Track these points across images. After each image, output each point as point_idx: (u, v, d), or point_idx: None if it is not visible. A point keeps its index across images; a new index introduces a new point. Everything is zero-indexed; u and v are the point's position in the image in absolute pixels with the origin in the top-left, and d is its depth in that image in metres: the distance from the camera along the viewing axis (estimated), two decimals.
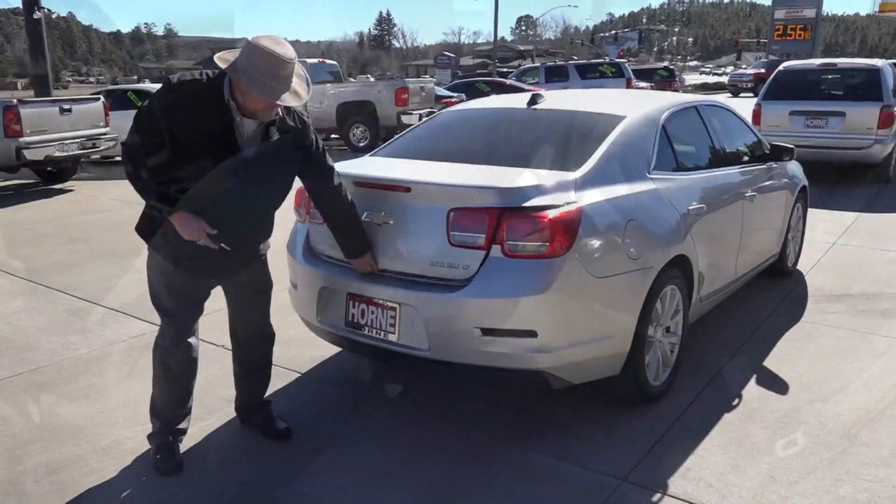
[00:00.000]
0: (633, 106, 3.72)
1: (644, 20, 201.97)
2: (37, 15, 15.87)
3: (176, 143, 2.59)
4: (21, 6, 17.34)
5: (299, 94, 2.65)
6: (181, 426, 2.99)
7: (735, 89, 33.78)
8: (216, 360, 3.82)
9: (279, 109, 2.69)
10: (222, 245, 2.68)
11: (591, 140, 3.29)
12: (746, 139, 4.72)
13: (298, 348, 4.03)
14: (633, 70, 24.50)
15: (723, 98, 30.01)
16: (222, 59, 2.59)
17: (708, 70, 62.42)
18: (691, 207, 3.51)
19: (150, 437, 3.00)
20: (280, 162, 2.78)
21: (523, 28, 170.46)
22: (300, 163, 2.87)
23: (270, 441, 3.11)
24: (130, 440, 3.13)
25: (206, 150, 2.60)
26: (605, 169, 3.17)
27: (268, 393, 3.50)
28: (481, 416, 3.33)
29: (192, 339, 2.93)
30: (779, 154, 4.76)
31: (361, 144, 14.25)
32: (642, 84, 22.55)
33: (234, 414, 3.30)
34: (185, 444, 3.05)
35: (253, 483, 2.83)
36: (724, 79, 42.16)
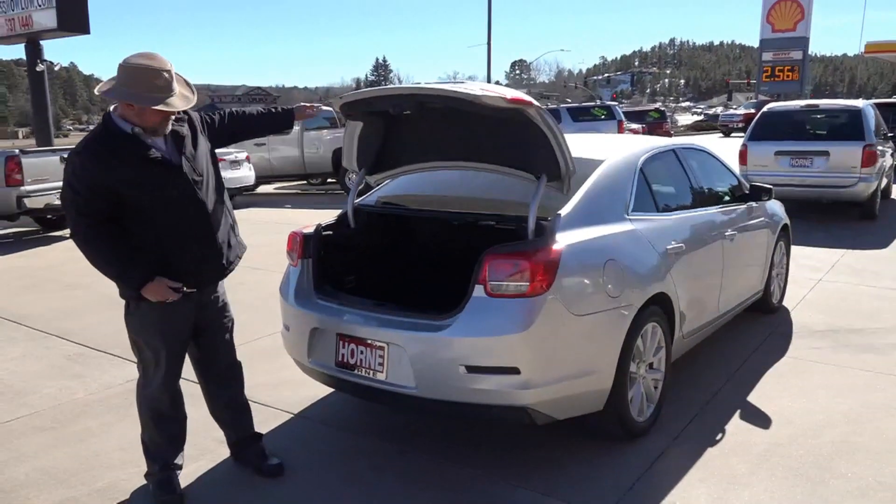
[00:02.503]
0: (612, 150, 3.87)
1: (636, 63, 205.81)
2: (39, 67, 16.27)
3: (122, 200, 2.74)
4: (25, 58, 17.79)
5: (188, 97, 2.82)
6: (177, 462, 3.08)
7: (726, 129, 34.41)
8: None
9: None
10: (184, 288, 2.85)
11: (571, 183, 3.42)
12: (725, 180, 4.88)
13: (291, 389, 4.11)
14: (625, 112, 24.92)
15: (714, 138, 30.49)
16: (101, 91, 2.76)
17: (699, 111, 63.72)
18: (670, 247, 3.64)
19: (147, 476, 3.08)
20: (203, 150, 2.97)
21: (517, 72, 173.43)
22: (216, 135, 3.09)
23: (263, 480, 3.17)
24: (126, 482, 3.19)
25: (148, 184, 2.76)
26: (584, 210, 3.30)
27: (261, 433, 3.60)
28: (468, 452, 3.39)
29: (179, 382, 3.06)
30: (758, 194, 4.92)
31: (359, 189, 14.44)
32: (634, 126, 22.92)
33: (225, 454, 3.36)
34: (180, 484, 3.11)
35: None
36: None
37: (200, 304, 3.00)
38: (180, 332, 2.97)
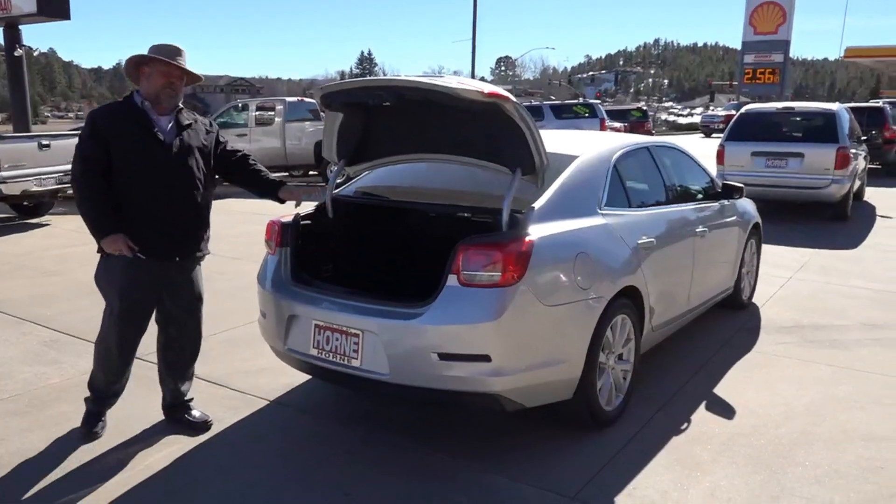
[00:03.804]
0: (586, 146, 3.95)
1: (621, 62, 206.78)
2: (17, 52, 16.05)
3: (114, 155, 3.18)
4: (2, 43, 17.55)
5: (190, 70, 3.30)
6: (112, 398, 3.54)
7: (707, 130, 34.97)
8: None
9: (184, 110, 3.36)
10: (137, 254, 3.21)
11: (546, 177, 3.50)
12: (698, 178, 4.98)
13: (269, 377, 4.16)
14: (608, 110, 25.09)
15: (695, 138, 30.80)
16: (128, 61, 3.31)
17: (677, 111, 65.27)
18: (640, 241, 3.73)
19: (85, 400, 3.55)
20: (198, 144, 3.38)
21: (503, 68, 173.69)
22: (214, 150, 3.48)
23: (237, 464, 3.23)
24: (101, 465, 3.22)
25: (137, 151, 3.20)
26: (557, 204, 3.38)
27: (237, 419, 3.67)
28: (441, 437, 3.47)
29: (136, 344, 3.43)
30: (729, 193, 5.04)
31: (339, 180, 14.45)
32: (616, 124, 23.09)
33: (201, 439, 3.43)
34: (154, 468, 3.18)
35: None
36: (690, 119, 45.98)
37: (167, 278, 3.36)
38: (136, 292, 3.30)
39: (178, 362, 3.57)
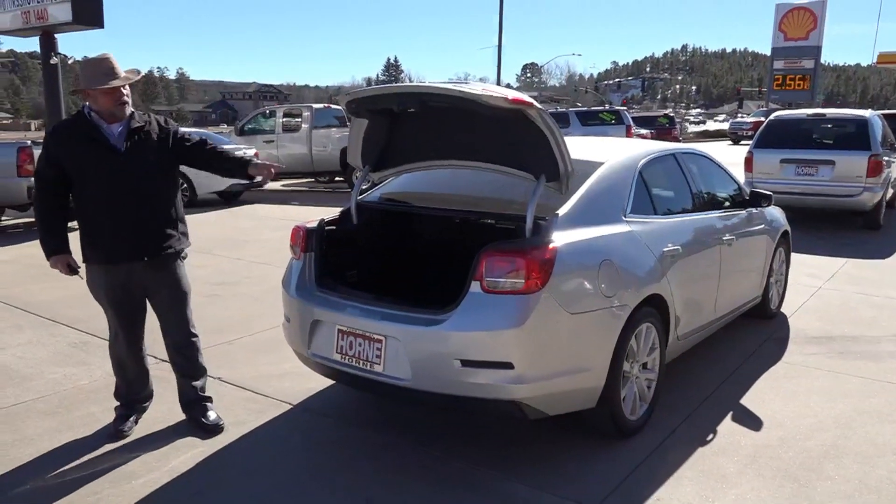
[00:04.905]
0: (612, 153, 3.92)
1: (648, 68, 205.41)
2: (53, 60, 16.42)
3: (69, 170, 3.30)
4: (39, 51, 17.97)
5: (129, 77, 3.33)
6: (140, 403, 3.72)
7: (735, 137, 34.58)
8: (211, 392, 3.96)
9: (136, 114, 3.39)
10: (78, 275, 3.48)
11: (570, 184, 3.48)
12: (725, 186, 4.92)
13: (292, 381, 4.18)
14: (634, 117, 24.94)
15: (723, 145, 30.49)
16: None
17: (692, 117, 65.16)
18: (666, 249, 3.69)
19: (115, 409, 3.69)
20: (152, 145, 3.39)
21: (529, 75, 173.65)
22: (173, 148, 3.48)
23: (259, 466, 3.25)
24: (128, 466, 3.26)
25: (87, 161, 3.29)
26: (582, 211, 3.36)
27: (261, 423, 3.69)
28: (463, 444, 3.46)
29: (139, 345, 3.61)
30: (757, 200, 4.96)
31: (364, 186, 14.53)
32: (643, 131, 22.93)
33: (226, 442, 3.46)
34: (179, 469, 3.21)
35: None
36: (710, 126, 46.27)
37: (143, 279, 3.45)
38: (118, 295, 3.45)
39: (176, 354, 3.64)
